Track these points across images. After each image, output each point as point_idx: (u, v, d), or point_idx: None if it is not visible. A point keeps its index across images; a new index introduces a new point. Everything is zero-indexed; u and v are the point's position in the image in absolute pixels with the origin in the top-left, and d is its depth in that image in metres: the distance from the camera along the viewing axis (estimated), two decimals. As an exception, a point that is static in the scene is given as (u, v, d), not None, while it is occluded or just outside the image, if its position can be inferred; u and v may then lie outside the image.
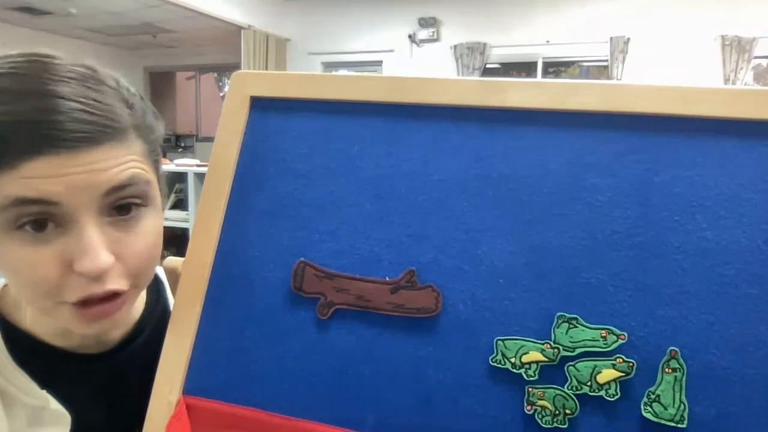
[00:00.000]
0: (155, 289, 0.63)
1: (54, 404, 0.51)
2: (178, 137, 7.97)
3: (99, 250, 0.43)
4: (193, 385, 0.51)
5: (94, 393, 0.56)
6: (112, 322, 0.49)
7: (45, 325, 0.53)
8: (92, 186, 0.43)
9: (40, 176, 0.41)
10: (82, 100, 0.43)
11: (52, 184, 0.41)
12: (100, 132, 0.43)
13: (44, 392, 0.50)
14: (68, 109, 0.42)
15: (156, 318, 0.61)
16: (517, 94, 0.49)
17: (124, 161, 0.45)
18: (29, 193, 0.41)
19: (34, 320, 0.53)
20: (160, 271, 0.65)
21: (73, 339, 0.54)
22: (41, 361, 0.52)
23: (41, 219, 0.42)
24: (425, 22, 5.95)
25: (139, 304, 0.61)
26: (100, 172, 0.43)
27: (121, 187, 0.45)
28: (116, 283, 0.45)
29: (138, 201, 0.47)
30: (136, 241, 0.47)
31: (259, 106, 0.56)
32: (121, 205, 0.45)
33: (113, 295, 0.46)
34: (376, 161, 0.52)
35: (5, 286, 0.56)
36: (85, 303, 0.45)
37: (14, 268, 0.44)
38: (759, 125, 0.44)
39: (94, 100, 0.43)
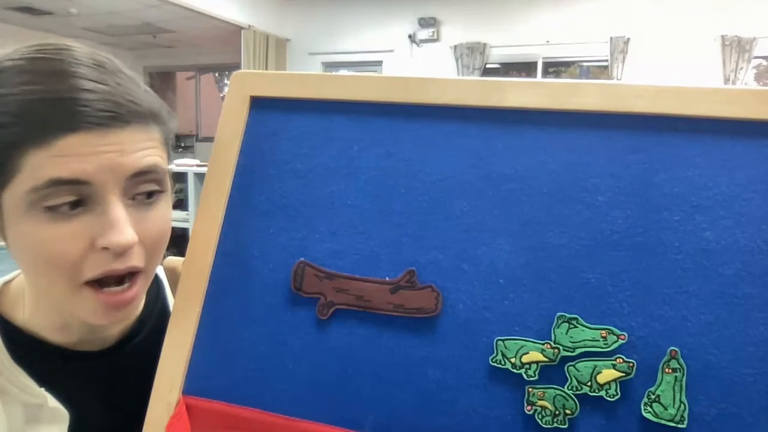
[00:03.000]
0: (154, 287, 0.63)
1: (52, 402, 0.51)
2: (178, 137, 7.96)
3: (126, 226, 0.45)
4: (193, 385, 0.51)
5: (93, 391, 0.55)
6: (128, 311, 0.50)
7: (44, 319, 0.53)
8: (120, 167, 0.44)
9: (74, 154, 0.42)
10: (109, 82, 0.45)
11: (85, 163, 0.43)
12: (128, 113, 0.45)
13: (42, 390, 0.51)
14: (97, 89, 0.44)
15: (155, 316, 0.61)
16: (517, 94, 0.49)
17: (147, 146, 0.47)
18: (64, 173, 0.42)
19: (33, 315, 0.53)
20: (160, 271, 0.65)
21: (72, 334, 0.54)
22: (40, 359, 0.52)
23: (74, 200, 0.43)
24: (425, 22, 5.95)
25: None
26: (128, 153, 0.45)
27: (145, 172, 0.47)
28: (136, 260, 0.47)
29: (157, 188, 0.49)
30: (153, 225, 0.48)
31: (259, 106, 0.56)
32: (142, 190, 0.47)
33: (129, 278, 0.48)
34: (375, 161, 0.52)
35: (5, 284, 0.56)
36: (103, 285, 0.47)
37: (34, 246, 0.44)
38: (759, 125, 0.44)
39: (118, 84, 0.46)
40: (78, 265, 0.45)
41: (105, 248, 0.44)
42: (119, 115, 0.44)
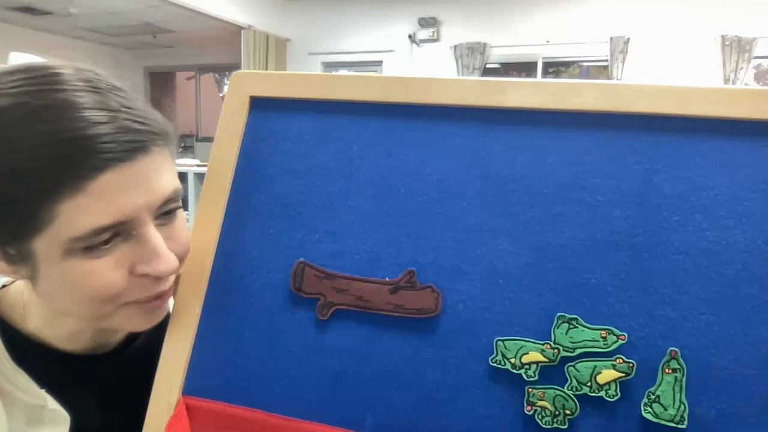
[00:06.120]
0: None
1: (52, 404, 0.51)
2: (178, 137, 7.96)
3: (167, 252, 0.46)
4: (193, 386, 0.51)
5: (94, 394, 0.55)
6: (165, 311, 0.51)
7: (56, 329, 0.53)
8: (152, 199, 0.44)
9: (109, 196, 0.41)
10: (112, 104, 0.43)
11: (121, 203, 0.42)
12: (147, 139, 0.44)
13: (42, 391, 0.50)
14: (109, 119, 0.42)
15: None
16: (517, 94, 0.49)
17: (166, 169, 0.46)
18: (106, 220, 0.42)
19: (43, 327, 0.53)
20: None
21: (78, 343, 0.54)
22: (41, 362, 0.52)
23: (111, 236, 0.43)
24: (425, 22, 5.95)
25: None
26: (155, 183, 0.45)
27: (172, 198, 0.47)
28: (173, 275, 0.49)
29: (177, 205, 0.49)
30: (179, 236, 0.49)
31: (259, 106, 0.56)
32: (165, 211, 0.47)
33: None
34: (375, 161, 0.52)
35: (3, 287, 0.56)
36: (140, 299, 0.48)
37: (78, 284, 0.44)
38: (759, 125, 0.44)
39: (123, 106, 0.44)
40: (121, 293, 0.45)
41: (146, 274, 0.45)
42: (141, 144, 0.43)
